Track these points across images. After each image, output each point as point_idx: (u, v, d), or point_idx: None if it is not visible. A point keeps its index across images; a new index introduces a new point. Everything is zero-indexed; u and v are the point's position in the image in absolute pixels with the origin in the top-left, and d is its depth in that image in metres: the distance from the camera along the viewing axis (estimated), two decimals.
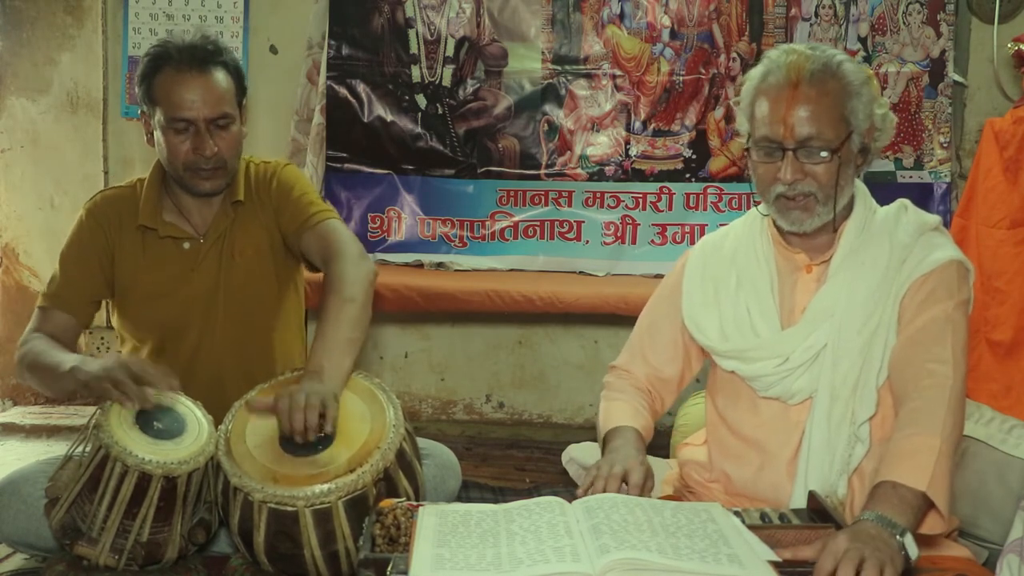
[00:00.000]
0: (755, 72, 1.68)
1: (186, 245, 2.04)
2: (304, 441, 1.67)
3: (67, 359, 1.85)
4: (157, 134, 1.97)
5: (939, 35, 3.04)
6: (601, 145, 3.12)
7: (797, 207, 1.63)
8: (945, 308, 1.59)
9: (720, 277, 1.79)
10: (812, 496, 1.52)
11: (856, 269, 1.66)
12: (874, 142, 1.67)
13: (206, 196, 2.03)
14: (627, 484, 1.55)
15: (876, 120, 1.65)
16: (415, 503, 1.53)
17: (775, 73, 1.63)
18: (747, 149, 1.68)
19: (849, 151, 1.63)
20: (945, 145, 3.05)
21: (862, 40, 3.04)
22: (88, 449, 1.71)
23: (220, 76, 1.96)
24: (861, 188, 1.72)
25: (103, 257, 2.04)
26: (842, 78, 1.61)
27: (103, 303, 2.17)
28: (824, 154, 1.59)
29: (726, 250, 1.81)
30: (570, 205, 3.12)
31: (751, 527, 1.39)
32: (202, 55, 1.94)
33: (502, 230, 3.13)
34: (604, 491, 1.52)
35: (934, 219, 1.70)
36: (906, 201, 1.74)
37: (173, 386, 1.79)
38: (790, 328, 1.68)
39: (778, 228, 1.73)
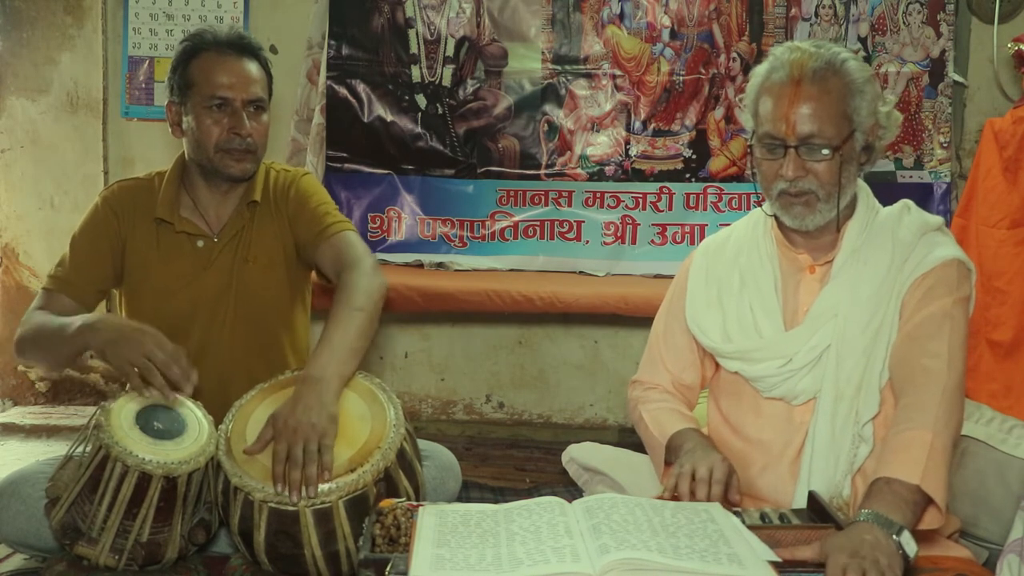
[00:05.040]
0: (760, 69, 1.68)
1: (200, 243, 2.04)
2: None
3: (74, 320, 1.84)
4: (188, 120, 2.00)
5: (939, 35, 3.03)
6: (601, 145, 3.12)
7: (799, 203, 1.64)
8: (943, 304, 1.59)
9: (723, 278, 1.79)
10: (812, 496, 1.52)
11: (859, 268, 1.66)
12: (879, 140, 1.67)
13: (233, 182, 2.04)
14: (713, 480, 1.56)
15: (880, 118, 1.65)
16: (415, 503, 1.53)
17: (779, 70, 1.63)
18: (751, 145, 1.69)
19: (851, 149, 1.63)
20: (945, 145, 3.05)
21: (862, 40, 3.04)
22: (88, 449, 1.71)
23: (254, 65, 2.03)
24: (864, 188, 1.72)
25: (115, 246, 2.04)
26: (845, 76, 1.61)
27: (109, 293, 2.16)
28: (825, 152, 1.60)
29: (729, 251, 1.81)
30: (570, 205, 3.12)
31: (751, 527, 1.40)
32: (239, 44, 2.03)
33: (502, 230, 3.13)
34: (693, 497, 1.54)
35: (937, 220, 1.70)
36: (909, 202, 1.74)
37: (192, 381, 1.76)
38: (794, 329, 1.68)
39: (781, 228, 1.74)
